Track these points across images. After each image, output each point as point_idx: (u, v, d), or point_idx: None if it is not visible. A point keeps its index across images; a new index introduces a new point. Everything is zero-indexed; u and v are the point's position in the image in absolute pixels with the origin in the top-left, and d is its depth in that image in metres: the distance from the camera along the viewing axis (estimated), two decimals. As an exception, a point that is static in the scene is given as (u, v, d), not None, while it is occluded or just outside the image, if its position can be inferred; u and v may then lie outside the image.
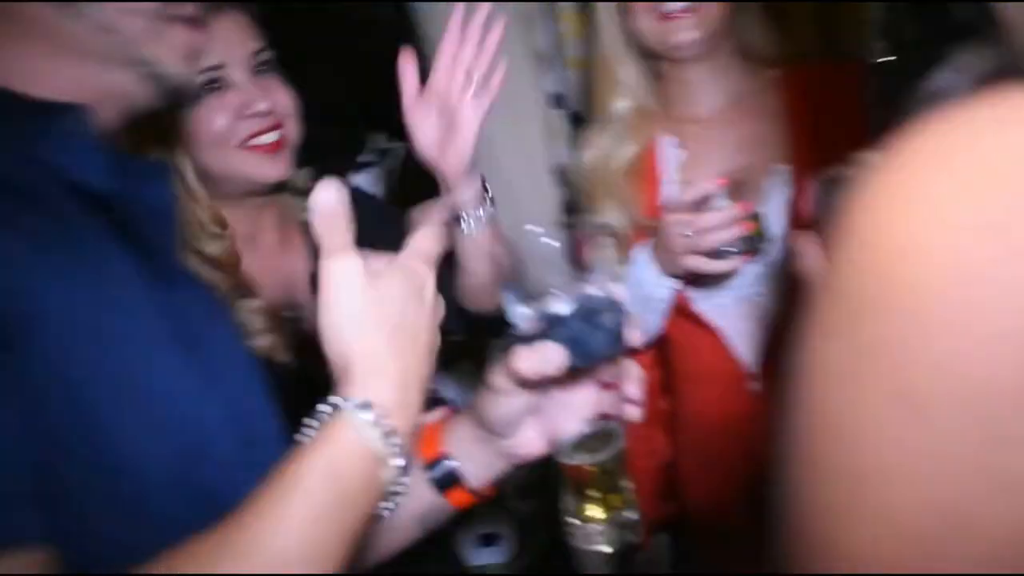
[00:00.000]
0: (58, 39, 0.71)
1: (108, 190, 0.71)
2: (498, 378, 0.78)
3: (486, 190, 1.22)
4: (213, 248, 1.15)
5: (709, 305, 1.36)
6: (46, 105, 0.71)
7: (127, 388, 0.65)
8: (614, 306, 0.79)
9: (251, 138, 1.17)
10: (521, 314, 0.83)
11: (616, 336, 0.78)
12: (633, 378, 0.80)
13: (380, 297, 0.68)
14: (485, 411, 0.80)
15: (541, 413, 0.81)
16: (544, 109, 1.80)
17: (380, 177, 1.81)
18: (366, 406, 0.64)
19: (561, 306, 0.80)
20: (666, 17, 1.31)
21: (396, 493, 0.67)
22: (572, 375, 0.78)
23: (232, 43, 1.17)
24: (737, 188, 1.22)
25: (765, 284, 1.32)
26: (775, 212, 1.28)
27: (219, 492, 0.66)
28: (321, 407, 0.65)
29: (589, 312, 0.78)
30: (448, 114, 1.13)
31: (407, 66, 1.14)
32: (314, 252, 1.24)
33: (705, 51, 1.33)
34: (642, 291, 1.32)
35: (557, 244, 1.01)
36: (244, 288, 1.15)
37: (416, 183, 1.75)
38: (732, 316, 1.35)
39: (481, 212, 1.20)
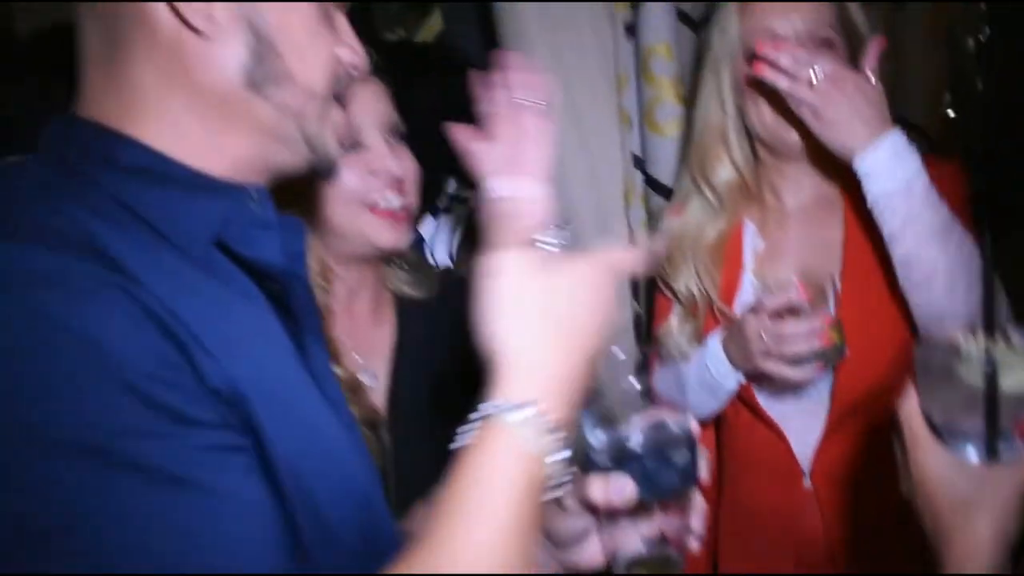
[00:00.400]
0: (242, 118, 0.75)
1: (279, 268, 0.78)
2: (569, 499, 0.81)
3: (564, 220, 1.23)
4: None
5: (772, 400, 1.37)
6: (228, 185, 0.75)
7: (323, 457, 0.73)
8: (686, 442, 0.83)
9: (378, 199, 1.21)
10: (597, 439, 0.87)
11: (687, 473, 0.81)
12: (698, 511, 0.83)
13: (550, 287, 0.71)
14: (550, 524, 0.84)
15: (603, 529, 0.85)
16: (625, 169, 1.82)
17: (454, 223, 1.86)
18: (521, 406, 0.67)
19: (635, 437, 0.84)
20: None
21: (563, 484, 0.70)
22: (640, 503, 0.82)
23: (369, 107, 1.21)
24: (818, 296, 1.25)
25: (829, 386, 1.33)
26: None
27: (383, 532, 0.77)
28: (481, 411, 0.68)
29: (662, 448, 0.82)
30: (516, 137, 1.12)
31: (461, 132, 1.14)
32: (402, 325, 1.31)
33: (810, 148, 1.35)
34: (709, 378, 1.35)
35: (623, 358, 1.05)
36: (330, 349, 1.20)
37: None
38: (793, 413, 1.36)
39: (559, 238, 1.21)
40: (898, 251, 1.25)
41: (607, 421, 0.92)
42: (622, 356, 1.04)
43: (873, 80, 1.28)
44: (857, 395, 1.31)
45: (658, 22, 1.73)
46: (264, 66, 0.74)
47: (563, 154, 1.76)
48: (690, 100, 1.79)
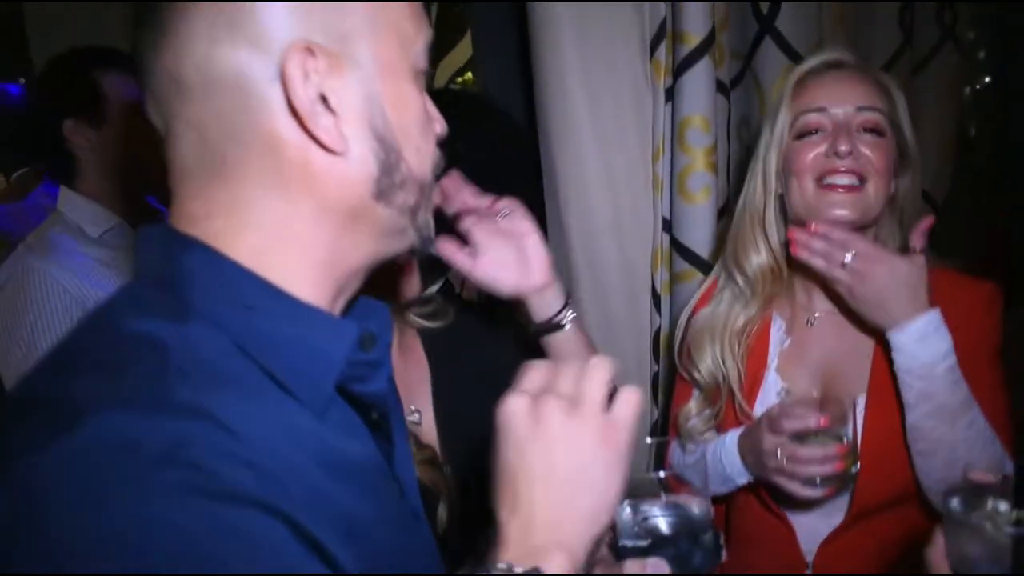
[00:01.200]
0: (365, 225, 0.76)
1: (383, 396, 0.81)
2: None
3: (568, 294, 1.29)
4: None
5: (785, 497, 1.39)
6: (350, 327, 0.76)
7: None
8: (712, 524, 0.92)
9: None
10: (628, 525, 0.95)
11: (715, 552, 0.90)
12: None
13: (566, 448, 0.74)
14: None
15: None
16: (654, 234, 1.87)
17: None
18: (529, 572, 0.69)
19: (665, 522, 0.92)
20: (830, 188, 1.35)
21: None
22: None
23: None
24: (837, 415, 1.27)
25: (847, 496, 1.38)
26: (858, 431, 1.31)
27: None
28: (488, 568, 0.71)
29: (691, 531, 0.91)
30: (508, 240, 1.22)
31: (448, 247, 1.21)
32: (433, 359, 1.36)
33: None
34: (722, 470, 1.40)
35: (648, 440, 1.12)
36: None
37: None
38: (804, 512, 1.40)
39: (572, 313, 1.26)
40: (909, 418, 1.29)
41: (636, 507, 1.01)
42: (648, 440, 1.12)
43: (920, 258, 1.29)
44: (873, 504, 1.34)
45: (696, 93, 1.77)
46: (391, 175, 0.75)
47: (595, 214, 1.83)
48: (725, 171, 1.86)
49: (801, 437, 1.27)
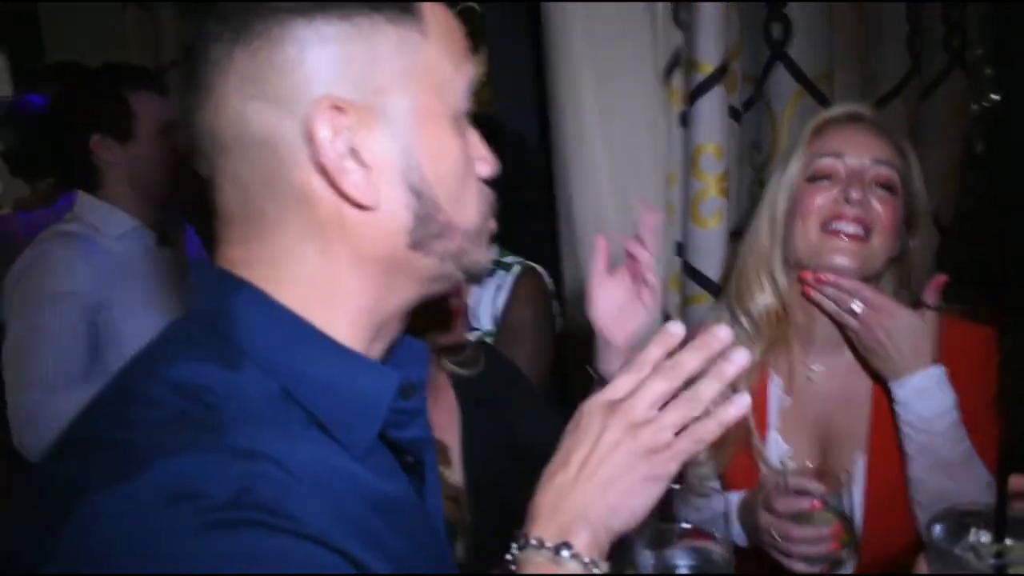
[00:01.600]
0: (405, 273, 0.77)
1: (421, 440, 0.84)
2: None
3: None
4: None
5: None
6: (392, 377, 0.77)
7: None
8: (728, 566, 0.96)
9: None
10: (648, 565, 1.01)
11: None
12: None
13: (616, 461, 0.78)
14: None
15: None
16: (667, 256, 1.91)
17: (497, 288, 1.95)
18: (564, 546, 0.75)
19: (684, 563, 0.97)
20: (834, 234, 1.35)
21: None
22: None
23: None
24: (832, 492, 1.24)
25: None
26: (858, 498, 1.32)
27: None
28: (524, 542, 0.76)
29: (710, 570, 0.96)
30: (630, 295, 1.33)
31: (601, 245, 1.35)
32: (463, 402, 1.40)
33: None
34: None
35: (677, 487, 1.18)
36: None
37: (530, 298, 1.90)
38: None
39: None
40: (910, 470, 1.30)
41: (659, 555, 1.06)
42: (676, 486, 1.17)
43: (930, 314, 1.29)
44: (880, 557, 1.32)
45: (709, 121, 1.82)
46: (427, 225, 0.75)
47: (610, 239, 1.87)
48: (735, 194, 1.89)
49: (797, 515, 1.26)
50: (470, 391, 1.45)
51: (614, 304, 1.34)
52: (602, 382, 1.28)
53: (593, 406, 0.82)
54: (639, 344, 1.24)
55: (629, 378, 0.82)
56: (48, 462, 0.71)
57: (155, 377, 0.72)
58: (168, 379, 0.71)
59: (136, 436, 0.66)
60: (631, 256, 1.34)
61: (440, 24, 0.77)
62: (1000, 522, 0.85)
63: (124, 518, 0.60)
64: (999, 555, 0.84)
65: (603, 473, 0.78)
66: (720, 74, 1.80)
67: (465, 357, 1.45)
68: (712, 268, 1.86)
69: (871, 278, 1.38)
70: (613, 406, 0.80)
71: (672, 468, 0.80)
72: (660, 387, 0.80)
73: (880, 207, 1.35)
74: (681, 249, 1.91)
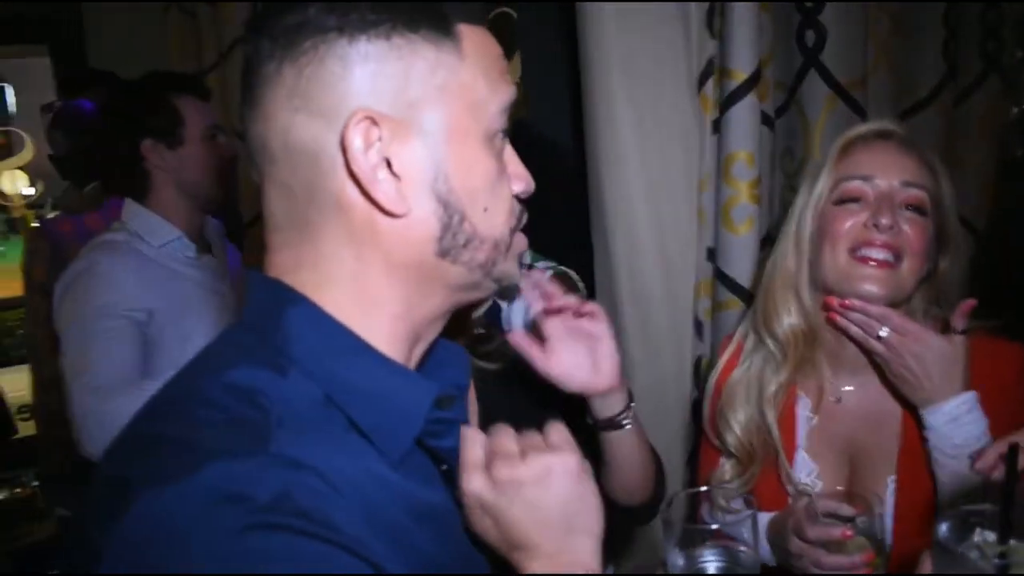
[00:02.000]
0: (435, 281, 0.81)
1: (454, 452, 0.87)
2: None
3: (631, 397, 1.28)
4: None
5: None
6: (431, 387, 0.81)
7: None
8: (756, 563, 1.01)
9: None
10: (680, 566, 1.04)
11: None
12: None
13: (537, 485, 0.84)
14: None
15: None
16: (697, 262, 1.93)
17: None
18: None
19: (713, 565, 1.01)
20: (862, 260, 1.33)
21: None
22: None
23: None
24: (864, 517, 1.23)
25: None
26: (887, 521, 1.30)
27: None
28: None
29: (739, 571, 0.99)
30: (583, 342, 1.20)
31: (522, 341, 1.20)
32: (484, 396, 1.43)
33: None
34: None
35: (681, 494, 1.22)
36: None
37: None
38: None
39: (631, 414, 1.28)
40: (940, 496, 1.28)
41: (688, 555, 1.10)
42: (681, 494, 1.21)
43: (959, 339, 1.27)
44: None
45: (741, 128, 1.83)
46: (454, 235, 0.79)
47: (642, 245, 1.90)
48: (768, 201, 1.89)
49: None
50: (494, 387, 1.44)
51: (571, 358, 1.20)
52: (602, 426, 1.29)
53: (475, 484, 0.85)
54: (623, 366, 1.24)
55: (475, 445, 0.87)
56: (109, 460, 0.76)
57: (214, 379, 0.77)
58: (226, 381, 0.75)
59: (192, 435, 0.70)
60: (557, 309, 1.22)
61: (478, 46, 0.80)
62: (1005, 523, 0.86)
63: (175, 515, 0.64)
64: (1003, 555, 0.85)
65: (546, 507, 0.84)
66: (753, 81, 1.82)
67: (491, 349, 1.45)
68: (743, 274, 1.88)
69: (901, 303, 1.36)
70: (487, 466, 0.85)
71: (575, 455, 0.87)
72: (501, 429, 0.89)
73: (910, 230, 1.33)
74: (712, 255, 1.93)
